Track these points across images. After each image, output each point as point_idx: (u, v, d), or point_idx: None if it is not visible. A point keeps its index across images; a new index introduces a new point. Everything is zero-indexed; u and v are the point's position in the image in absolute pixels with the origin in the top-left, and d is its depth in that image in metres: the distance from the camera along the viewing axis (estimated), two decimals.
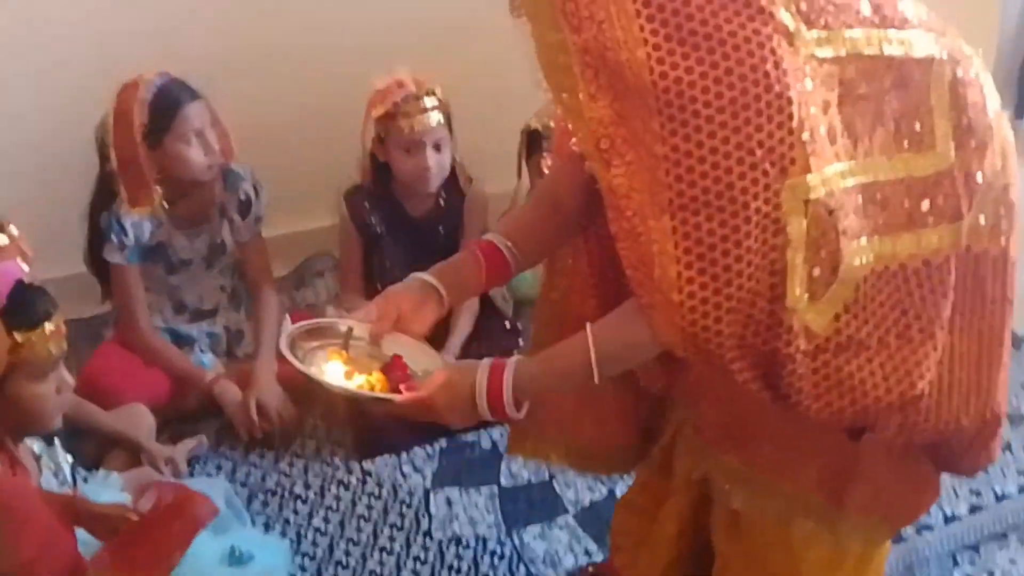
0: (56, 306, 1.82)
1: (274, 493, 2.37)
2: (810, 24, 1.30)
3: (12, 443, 1.88)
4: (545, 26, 1.33)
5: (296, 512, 2.32)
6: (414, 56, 2.59)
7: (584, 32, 1.29)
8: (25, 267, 1.87)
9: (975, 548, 2.24)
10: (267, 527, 2.28)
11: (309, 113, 2.97)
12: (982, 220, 1.41)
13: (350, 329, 1.58)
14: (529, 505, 2.34)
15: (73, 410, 2.25)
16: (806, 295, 1.31)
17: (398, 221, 2.72)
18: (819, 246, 1.30)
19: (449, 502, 2.34)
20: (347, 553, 2.22)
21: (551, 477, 2.39)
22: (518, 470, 2.43)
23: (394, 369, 1.55)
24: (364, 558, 2.21)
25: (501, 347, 2.41)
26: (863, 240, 1.33)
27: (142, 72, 2.45)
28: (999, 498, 2.36)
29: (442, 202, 2.73)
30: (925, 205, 1.37)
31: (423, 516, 2.31)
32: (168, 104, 2.45)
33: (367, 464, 2.44)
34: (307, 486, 2.39)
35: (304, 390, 2.55)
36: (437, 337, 2.39)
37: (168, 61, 2.52)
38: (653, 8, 1.23)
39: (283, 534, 2.26)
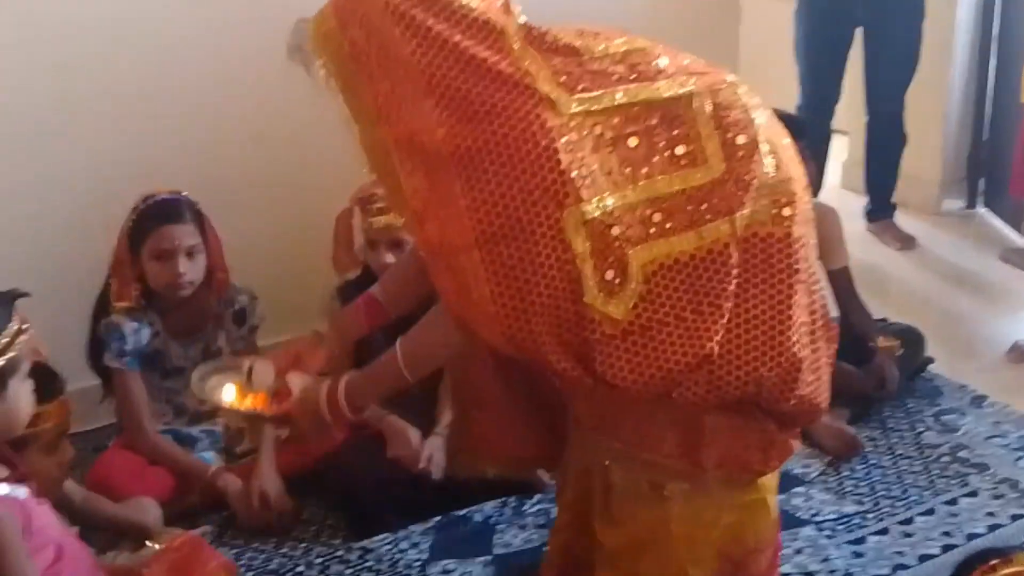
0: (65, 386, 2.14)
1: (278, 574, 2.47)
2: (572, 91, 1.72)
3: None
4: (366, 123, 1.76)
5: None
6: None
7: (396, 125, 1.72)
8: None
9: None
10: None
11: (296, 229, 3.18)
12: (761, 211, 1.75)
13: (251, 367, 2.08)
14: (522, 572, 2.44)
15: (82, 503, 2.38)
16: (602, 293, 1.67)
17: None
18: (605, 254, 1.68)
19: (447, 572, 2.45)
20: None
21: (542, 545, 2.51)
22: (510, 540, 2.55)
23: (283, 395, 2.01)
24: None
25: None
26: (649, 243, 1.69)
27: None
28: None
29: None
30: (704, 207, 1.73)
31: None
32: (150, 219, 2.67)
33: (365, 543, 2.55)
34: (309, 566, 2.48)
35: (302, 481, 2.70)
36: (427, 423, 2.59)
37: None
38: (444, 100, 1.69)
39: None
